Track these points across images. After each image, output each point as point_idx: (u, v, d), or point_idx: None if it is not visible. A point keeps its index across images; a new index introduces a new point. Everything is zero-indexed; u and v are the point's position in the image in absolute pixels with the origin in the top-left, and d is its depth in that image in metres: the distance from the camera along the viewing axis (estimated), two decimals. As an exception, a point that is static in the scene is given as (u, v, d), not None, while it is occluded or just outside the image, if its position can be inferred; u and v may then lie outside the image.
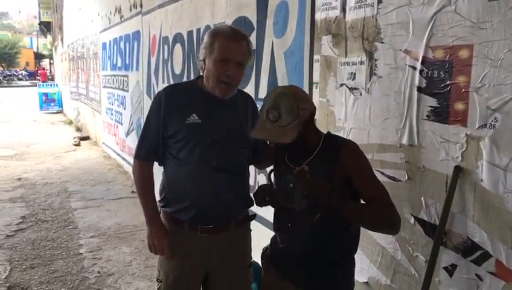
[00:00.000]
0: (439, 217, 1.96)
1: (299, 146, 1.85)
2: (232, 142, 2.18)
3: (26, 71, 52.88)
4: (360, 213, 1.78)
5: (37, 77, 46.23)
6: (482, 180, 1.81)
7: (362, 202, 1.83)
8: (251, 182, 3.55)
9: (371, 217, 1.76)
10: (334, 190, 1.75)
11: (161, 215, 2.27)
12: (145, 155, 2.23)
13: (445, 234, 1.96)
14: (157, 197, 2.29)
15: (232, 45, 2.05)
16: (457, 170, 1.89)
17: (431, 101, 2.01)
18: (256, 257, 2.42)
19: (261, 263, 2.18)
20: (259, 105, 3.30)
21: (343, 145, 1.85)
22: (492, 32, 1.74)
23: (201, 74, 2.20)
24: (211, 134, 2.11)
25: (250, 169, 2.38)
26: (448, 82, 1.92)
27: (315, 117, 1.92)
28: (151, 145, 2.20)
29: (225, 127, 2.16)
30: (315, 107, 1.90)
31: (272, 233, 3.31)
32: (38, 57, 55.42)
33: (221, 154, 2.12)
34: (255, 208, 2.35)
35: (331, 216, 1.76)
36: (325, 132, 1.97)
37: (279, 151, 2.03)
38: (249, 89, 3.51)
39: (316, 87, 2.79)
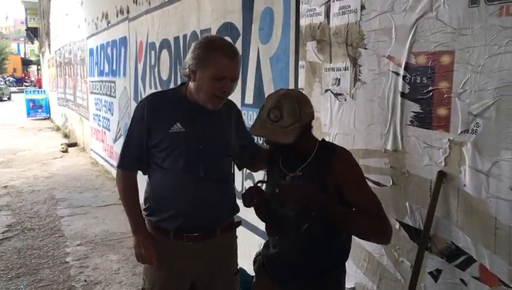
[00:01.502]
0: (424, 222, 1.97)
1: (294, 151, 1.85)
2: (217, 152, 2.18)
3: (14, 77, 52.45)
4: (352, 221, 1.78)
5: (25, 83, 45.91)
6: (465, 185, 1.82)
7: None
8: (238, 187, 3.56)
9: (363, 226, 1.76)
10: (327, 197, 1.76)
11: (146, 223, 2.25)
12: (128, 164, 2.22)
13: (429, 239, 1.97)
14: (142, 206, 2.28)
15: (230, 63, 2.03)
16: (441, 175, 1.90)
17: (414, 107, 2.02)
18: (244, 263, 2.41)
19: (253, 268, 2.17)
20: (245, 111, 3.30)
21: (334, 152, 1.85)
22: (473, 38, 1.75)
23: (185, 80, 2.19)
24: (195, 143, 2.10)
25: (238, 174, 2.37)
26: (430, 88, 1.94)
27: (312, 124, 1.92)
28: (135, 154, 2.18)
29: (210, 136, 2.15)
30: (314, 114, 1.90)
31: (260, 239, 3.31)
32: (26, 63, 55.03)
33: (207, 164, 2.11)
34: (242, 214, 2.35)
35: (323, 224, 1.76)
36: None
37: (273, 156, 2.02)
38: (236, 95, 3.50)
39: (302, 93, 2.80)
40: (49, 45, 17.78)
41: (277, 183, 1.95)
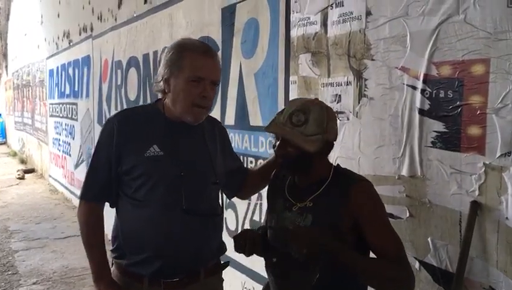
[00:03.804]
0: (454, 262, 1.65)
1: (306, 173, 1.56)
2: (202, 178, 1.83)
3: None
4: (366, 268, 1.44)
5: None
6: (507, 218, 1.52)
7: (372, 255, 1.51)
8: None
9: (378, 275, 1.43)
10: (334, 239, 1.43)
11: (114, 268, 1.86)
12: (94, 195, 1.83)
13: (460, 283, 1.65)
14: (109, 246, 1.88)
15: (207, 61, 1.72)
16: (475, 206, 1.59)
17: (437, 126, 1.73)
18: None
19: None
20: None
21: (353, 183, 1.52)
22: (514, 44, 1.48)
23: (159, 96, 1.85)
24: (176, 169, 1.75)
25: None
26: (458, 103, 1.65)
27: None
28: (102, 183, 1.80)
29: (193, 160, 1.80)
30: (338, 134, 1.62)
31: (245, 277, 2.94)
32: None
33: (190, 194, 1.75)
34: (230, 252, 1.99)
35: (335, 268, 1.43)
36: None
37: (277, 180, 1.72)
38: (214, 114, 3.16)
39: (293, 112, 2.48)
40: (6, 66, 17.04)
41: (280, 217, 1.62)
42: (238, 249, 1.66)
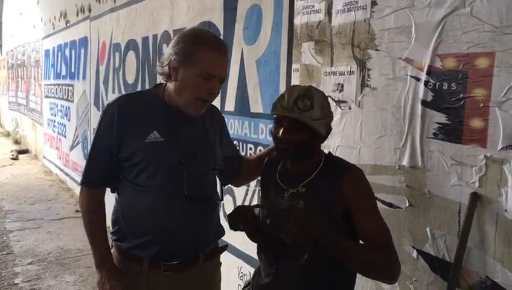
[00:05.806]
0: (451, 252, 1.69)
1: (300, 163, 1.58)
2: (202, 165, 1.85)
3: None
4: (351, 253, 1.46)
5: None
6: (506, 210, 1.54)
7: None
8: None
9: (363, 260, 1.46)
10: (327, 224, 1.45)
11: (114, 250, 1.89)
12: (95, 181, 1.84)
13: (457, 272, 1.68)
14: (109, 229, 1.90)
15: (220, 58, 1.73)
16: (475, 197, 1.62)
17: (439, 117, 1.74)
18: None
19: None
20: (225, 119, 2.96)
21: (346, 170, 1.55)
22: (520, 38, 1.49)
23: (160, 81, 1.86)
24: (177, 156, 1.76)
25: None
26: (461, 95, 1.66)
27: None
28: (102, 169, 1.81)
29: (193, 146, 1.82)
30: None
31: (243, 263, 2.97)
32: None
33: (191, 181, 1.77)
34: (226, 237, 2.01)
35: (325, 254, 1.45)
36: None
37: (269, 168, 1.74)
38: (214, 101, 3.16)
39: (295, 100, 2.49)
40: (0, 45, 16.85)
41: (272, 203, 1.64)
42: (233, 227, 1.66)
